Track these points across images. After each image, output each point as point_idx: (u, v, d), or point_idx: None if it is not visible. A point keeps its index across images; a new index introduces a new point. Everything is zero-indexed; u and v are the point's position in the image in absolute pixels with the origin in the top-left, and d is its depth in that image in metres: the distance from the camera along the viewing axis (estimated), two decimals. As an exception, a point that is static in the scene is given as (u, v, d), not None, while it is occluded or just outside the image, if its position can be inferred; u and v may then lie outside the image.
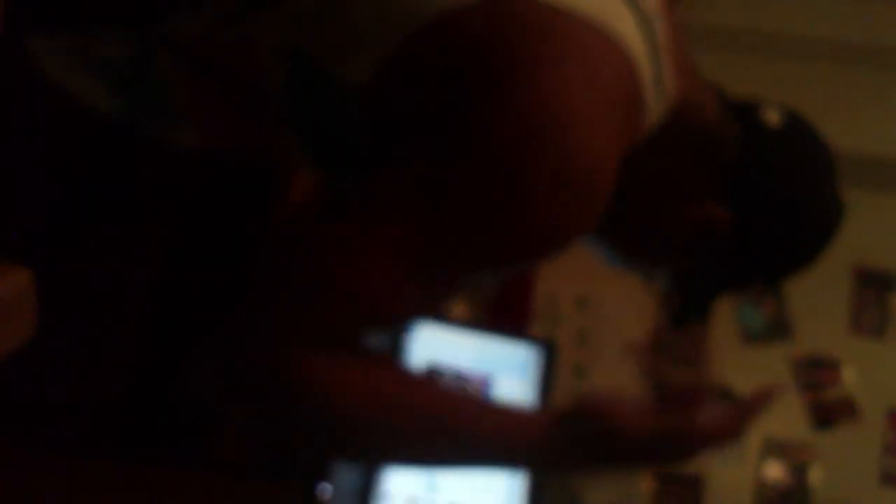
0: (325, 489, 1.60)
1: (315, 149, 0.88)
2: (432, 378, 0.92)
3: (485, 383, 2.34)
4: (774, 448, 2.87)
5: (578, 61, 0.78)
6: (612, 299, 2.99)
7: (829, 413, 2.89)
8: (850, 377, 2.90)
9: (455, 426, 0.79)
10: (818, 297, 2.92)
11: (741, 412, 0.92)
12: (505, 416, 0.83)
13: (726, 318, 2.93)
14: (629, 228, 1.01)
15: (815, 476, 2.84)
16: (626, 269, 1.10)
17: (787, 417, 2.90)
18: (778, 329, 2.95)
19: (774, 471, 2.86)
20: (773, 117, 0.97)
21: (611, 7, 0.81)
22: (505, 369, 2.35)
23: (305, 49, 0.80)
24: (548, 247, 0.82)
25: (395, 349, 2.20)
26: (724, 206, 0.95)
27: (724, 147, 0.95)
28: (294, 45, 0.80)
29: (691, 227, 0.97)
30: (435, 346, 2.30)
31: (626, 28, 0.82)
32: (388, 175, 0.78)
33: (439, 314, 2.48)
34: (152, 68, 0.83)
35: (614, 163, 0.81)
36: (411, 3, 0.77)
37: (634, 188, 0.95)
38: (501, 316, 2.81)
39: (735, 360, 2.93)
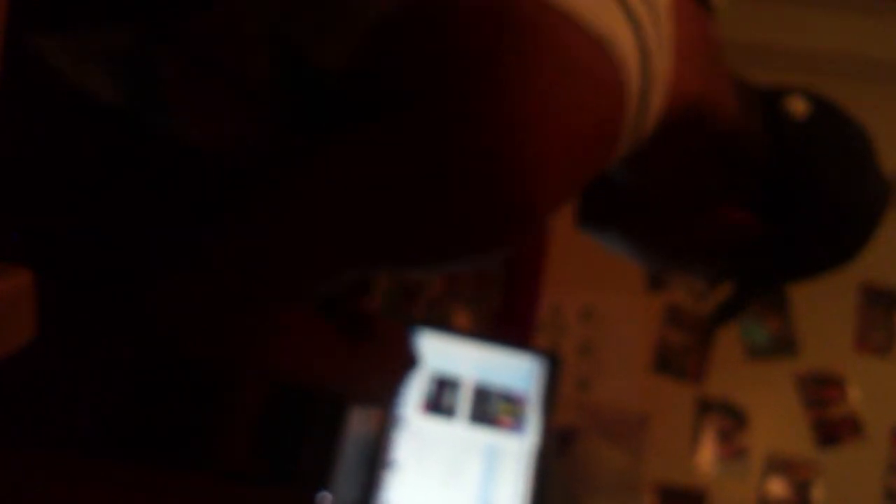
0: (325, 498, 1.59)
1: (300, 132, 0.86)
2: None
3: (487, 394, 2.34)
4: (777, 464, 2.86)
5: (564, 79, 0.71)
6: (617, 311, 2.99)
7: (833, 430, 2.88)
8: (854, 395, 2.89)
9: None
10: (824, 314, 2.91)
11: None
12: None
13: (731, 333, 2.93)
14: (661, 233, 0.98)
15: (818, 493, 2.83)
16: (661, 270, 1.07)
17: (790, 434, 2.89)
18: (783, 345, 2.94)
19: (777, 487, 2.84)
20: (798, 107, 0.92)
21: (608, 15, 0.75)
22: (508, 380, 2.34)
23: (288, 33, 0.77)
24: (451, 259, 0.78)
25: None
26: (757, 207, 0.92)
27: (749, 147, 0.91)
28: (277, 29, 0.78)
29: (721, 232, 0.94)
30: (438, 356, 2.30)
31: (621, 37, 0.75)
32: (337, 149, 0.76)
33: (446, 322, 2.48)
34: (148, 59, 0.83)
35: (557, 197, 0.75)
36: None
37: (660, 196, 0.94)
38: (505, 326, 2.81)
39: (739, 375, 2.92)
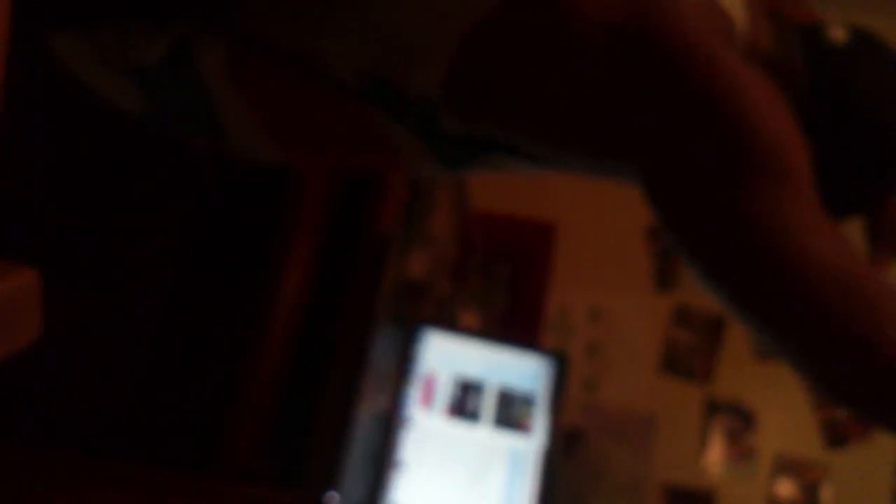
0: (333, 497, 1.58)
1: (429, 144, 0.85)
2: None
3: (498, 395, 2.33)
4: (786, 466, 2.85)
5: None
6: (624, 311, 2.97)
7: (841, 431, 2.87)
8: (864, 396, 2.87)
9: None
10: (833, 314, 2.89)
11: None
12: None
13: (739, 333, 2.91)
14: None
15: (827, 494, 2.81)
16: None
17: (799, 435, 2.88)
18: (792, 345, 2.92)
19: (786, 488, 2.83)
20: (838, 34, 0.94)
21: None
22: (516, 380, 2.33)
23: (370, 67, 0.78)
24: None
25: (406, 358, 2.19)
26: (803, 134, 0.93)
27: (790, 74, 0.92)
28: (358, 63, 0.78)
29: None
30: (446, 356, 2.29)
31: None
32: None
33: (452, 324, 2.47)
34: (188, 68, 0.81)
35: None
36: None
37: None
38: (513, 326, 2.80)
39: (748, 375, 2.91)
